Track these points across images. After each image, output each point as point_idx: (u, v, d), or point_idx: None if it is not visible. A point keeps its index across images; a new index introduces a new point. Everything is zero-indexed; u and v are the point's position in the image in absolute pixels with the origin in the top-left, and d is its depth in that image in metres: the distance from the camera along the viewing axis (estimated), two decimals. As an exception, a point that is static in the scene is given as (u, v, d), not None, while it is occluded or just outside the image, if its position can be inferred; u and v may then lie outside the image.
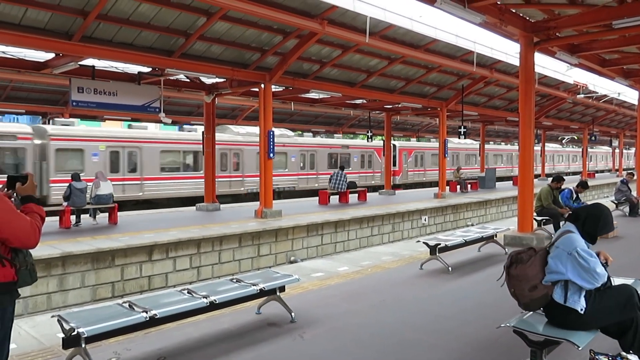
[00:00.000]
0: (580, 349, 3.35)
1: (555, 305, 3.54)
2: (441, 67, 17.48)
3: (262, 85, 14.26)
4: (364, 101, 20.96)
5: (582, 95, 23.19)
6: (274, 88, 15.16)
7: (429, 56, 15.37)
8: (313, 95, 18.92)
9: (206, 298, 4.60)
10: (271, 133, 14.33)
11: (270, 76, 14.09)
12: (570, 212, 10.60)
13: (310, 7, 11.47)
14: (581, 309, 3.46)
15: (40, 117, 23.32)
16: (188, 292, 4.81)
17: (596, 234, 3.68)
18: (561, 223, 10.81)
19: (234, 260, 11.83)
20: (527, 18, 10.13)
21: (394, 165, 29.48)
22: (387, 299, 6.21)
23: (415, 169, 33.19)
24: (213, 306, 4.66)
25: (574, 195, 11.20)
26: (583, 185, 11.46)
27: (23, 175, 2.89)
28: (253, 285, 5.08)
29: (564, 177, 11.34)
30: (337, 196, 19.09)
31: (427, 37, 14.11)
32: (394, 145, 30.14)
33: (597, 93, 23.11)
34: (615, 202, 14.92)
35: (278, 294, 5.33)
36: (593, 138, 33.98)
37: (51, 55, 11.86)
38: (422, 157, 33.82)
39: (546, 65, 17.38)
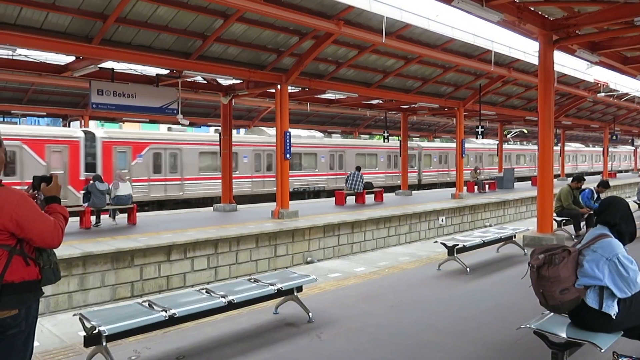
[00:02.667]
0: (603, 351, 3.29)
1: (585, 309, 3.44)
2: (458, 67, 17.34)
3: (279, 86, 14.31)
4: (380, 101, 20.89)
5: (603, 94, 22.80)
6: (290, 89, 15.20)
7: (446, 56, 15.26)
8: (329, 95, 18.94)
9: (224, 298, 4.63)
10: (287, 134, 14.38)
11: (286, 77, 14.13)
12: (591, 213, 10.48)
13: (326, 7, 11.48)
14: (614, 314, 3.36)
15: (61, 120, 23.74)
16: (206, 292, 4.85)
17: (635, 229, 3.61)
18: (582, 224, 10.65)
19: (251, 260, 11.89)
20: (546, 16, 9.99)
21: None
22: (405, 300, 6.18)
23: (153, 177, 19.25)
24: (231, 306, 4.69)
25: (595, 195, 11.01)
26: (604, 185, 11.25)
27: (48, 177, 2.95)
28: (270, 285, 5.10)
29: (584, 177, 11.16)
30: (354, 197, 19.06)
31: (444, 37, 14.02)
32: (92, 135, 18.04)
33: (619, 91, 22.70)
34: (638, 202, 14.63)
35: (295, 294, 5.34)
36: (614, 137, 33.39)
37: (71, 59, 12.07)
38: (176, 159, 20.08)
39: (566, 63, 17.14)
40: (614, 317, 3.36)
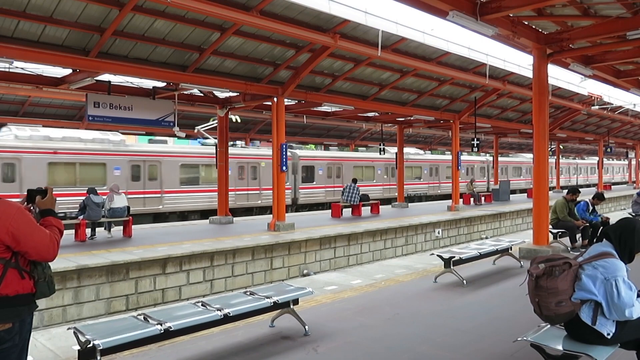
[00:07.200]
0: (599, 363, 3.29)
1: (580, 323, 3.42)
2: (453, 80, 17.48)
3: (275, 99, 14.38)
4: (377, 114, 21.01)
5: (597, 107, 23.01)
6: (286, 101, 15.26)
7: (441, 69, 15.38)
8: (325, 108, 19.03)
9: (220, 311, 4.60)
10: (284, 147, 14.41)
11: (282, 90, 14.20)
12: (587, 225, 10.49)
13: (322, 21, 11.57)
14: (608, 334, 3.33)
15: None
16: (202, 305, 4.82)
17: (634, 249, 3.51)
18: (577, 236, 10.67)
19: (247, 273, 11.83)
20: (540, 30, 10.11)
21: None
22: (401, 313, 6.16)
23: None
24: (227, 319, 4.66)
25: (590, 208, 11.05)
26: (599, 197, 11.31)
27: (43, 189, 2.94)
28: (266, 298, 5.08)
29: (579, 190, 11.22)
30: (350, 209, 19.05)
31: (439, 50, 14.17)
32: None
33: (612, 104, 22.91)
34: (633, 214, 14.68)
35: (291, 307, 5.31)
36: (609, 150, 33.63)
37: (68, 71, 12.08)
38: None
39: (560, 76, 17.31)
40: (607, 336, 3.33)
